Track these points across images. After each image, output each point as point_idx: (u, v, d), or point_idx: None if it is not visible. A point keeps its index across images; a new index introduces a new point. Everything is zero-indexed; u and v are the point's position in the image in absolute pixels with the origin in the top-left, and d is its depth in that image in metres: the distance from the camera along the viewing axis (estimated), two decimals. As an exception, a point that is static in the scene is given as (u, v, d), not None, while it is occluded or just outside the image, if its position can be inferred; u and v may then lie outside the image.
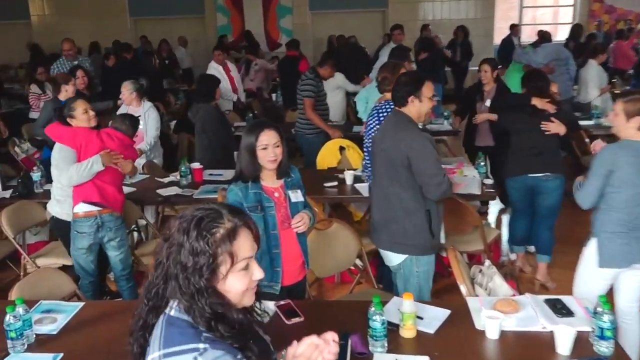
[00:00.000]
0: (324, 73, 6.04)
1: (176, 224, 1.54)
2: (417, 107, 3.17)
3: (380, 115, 4.03)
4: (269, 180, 2.91)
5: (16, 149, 6.62)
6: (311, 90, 5.93)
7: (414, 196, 3.14)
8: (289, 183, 2.98)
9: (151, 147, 5.51)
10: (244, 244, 1.53)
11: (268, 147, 2.79)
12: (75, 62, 7.19)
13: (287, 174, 2.96)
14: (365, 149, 4.36)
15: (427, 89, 3.17)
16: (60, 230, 4.20)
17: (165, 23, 13.42)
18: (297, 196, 2.98)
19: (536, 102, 4.37)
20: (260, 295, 1.70)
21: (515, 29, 12.03)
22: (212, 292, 1.49)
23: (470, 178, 4.67)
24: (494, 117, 5.25)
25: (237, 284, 1.52)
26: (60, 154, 3.98)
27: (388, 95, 3.95)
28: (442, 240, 3.35)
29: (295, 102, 6.34)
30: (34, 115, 7.89)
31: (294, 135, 6.28)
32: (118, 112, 5.57)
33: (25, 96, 8.21)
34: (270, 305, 2.73)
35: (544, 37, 8.89)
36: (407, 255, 3.22)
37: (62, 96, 5.58)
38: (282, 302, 2.76)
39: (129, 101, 5.51)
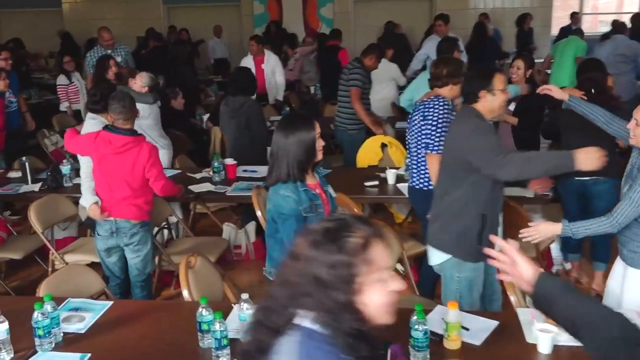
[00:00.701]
0: (369, 63, 5.99)
1: (303, 240, 1.53)
2: (490, 102, 3.15)
3: (427, 112, 3.91)
4: (309, 178, 2.96)
5: (45, 140, 6.81)
6: (359, 80, 5.89)
7: (463, 196, 3.12)
8: (322, 179, 3.05)
9: None
10: (380, 253, 1.51)
11: (318, 135, 2.89)
12: (109, 51, 7.31)
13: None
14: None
15: (499, 81, 3.16)
16: None
17: (199, 11, 13.58)
18: (332, 191, 3.11)
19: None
20: None
21: (575, 18, 11.80)
22: (352, 307, 1.48)
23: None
24: (513, 120, 5.05)
25: (376, 296, 1.50)
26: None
27: (440, 90, 3.89)
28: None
29: (335, 96, 6.33)
30: (64, 107, 8.10)
31: (332, 131, 6.28)
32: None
33: (55, 87, 8.42)
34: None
35: (616, 28, 8.47)
36: (449, 257, 3.21)
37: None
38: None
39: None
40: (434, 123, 3.83)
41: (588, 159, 2.91)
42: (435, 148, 3.77)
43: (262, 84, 7.72)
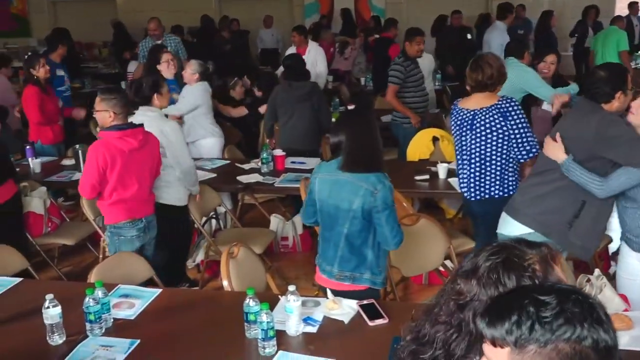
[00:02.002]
0: (411, 51, 5.92)
1: (469, 283, 1.38)
2: (622, 102, 3.10)
3: (510, 116, 3.58)
4: None
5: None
6: (395, 77, 5.92)
7: (567, 177, 3.09)
8: None
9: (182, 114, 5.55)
10: (561, 272, 1.38)
11: None
12: (159, 42, 7.42)
13: None
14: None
15: (629, 80, 3.15)
16: (168, 217, 4.15)
17: (250, 2, 13.67)
18: None
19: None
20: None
21: (634, 7, 11.35)
22: None
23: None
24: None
25: None
26: (177, 135, 4.15)
27: (494, 93, 3.67)
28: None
29: (385, 88, 6.31)
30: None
31: (384, 123, 6.29)
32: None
33: (119, 75, 8.56)
34: (352, 305, 2.75)
35: None
36: (529, 231, 3.16)
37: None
38: (365, 302, 2.78)
39: (189, 80, 5.65)
40: (526, 124, 3.61)
41: None
42: (536, 150, 3.60)
43: None
